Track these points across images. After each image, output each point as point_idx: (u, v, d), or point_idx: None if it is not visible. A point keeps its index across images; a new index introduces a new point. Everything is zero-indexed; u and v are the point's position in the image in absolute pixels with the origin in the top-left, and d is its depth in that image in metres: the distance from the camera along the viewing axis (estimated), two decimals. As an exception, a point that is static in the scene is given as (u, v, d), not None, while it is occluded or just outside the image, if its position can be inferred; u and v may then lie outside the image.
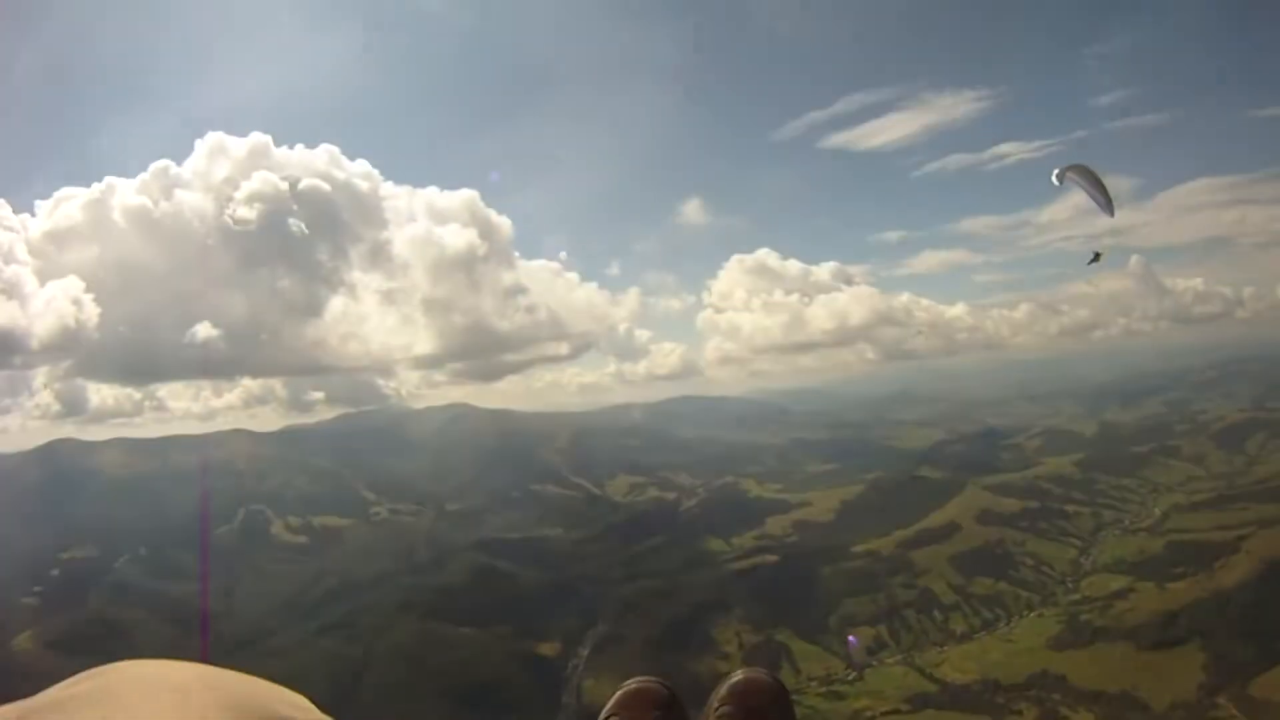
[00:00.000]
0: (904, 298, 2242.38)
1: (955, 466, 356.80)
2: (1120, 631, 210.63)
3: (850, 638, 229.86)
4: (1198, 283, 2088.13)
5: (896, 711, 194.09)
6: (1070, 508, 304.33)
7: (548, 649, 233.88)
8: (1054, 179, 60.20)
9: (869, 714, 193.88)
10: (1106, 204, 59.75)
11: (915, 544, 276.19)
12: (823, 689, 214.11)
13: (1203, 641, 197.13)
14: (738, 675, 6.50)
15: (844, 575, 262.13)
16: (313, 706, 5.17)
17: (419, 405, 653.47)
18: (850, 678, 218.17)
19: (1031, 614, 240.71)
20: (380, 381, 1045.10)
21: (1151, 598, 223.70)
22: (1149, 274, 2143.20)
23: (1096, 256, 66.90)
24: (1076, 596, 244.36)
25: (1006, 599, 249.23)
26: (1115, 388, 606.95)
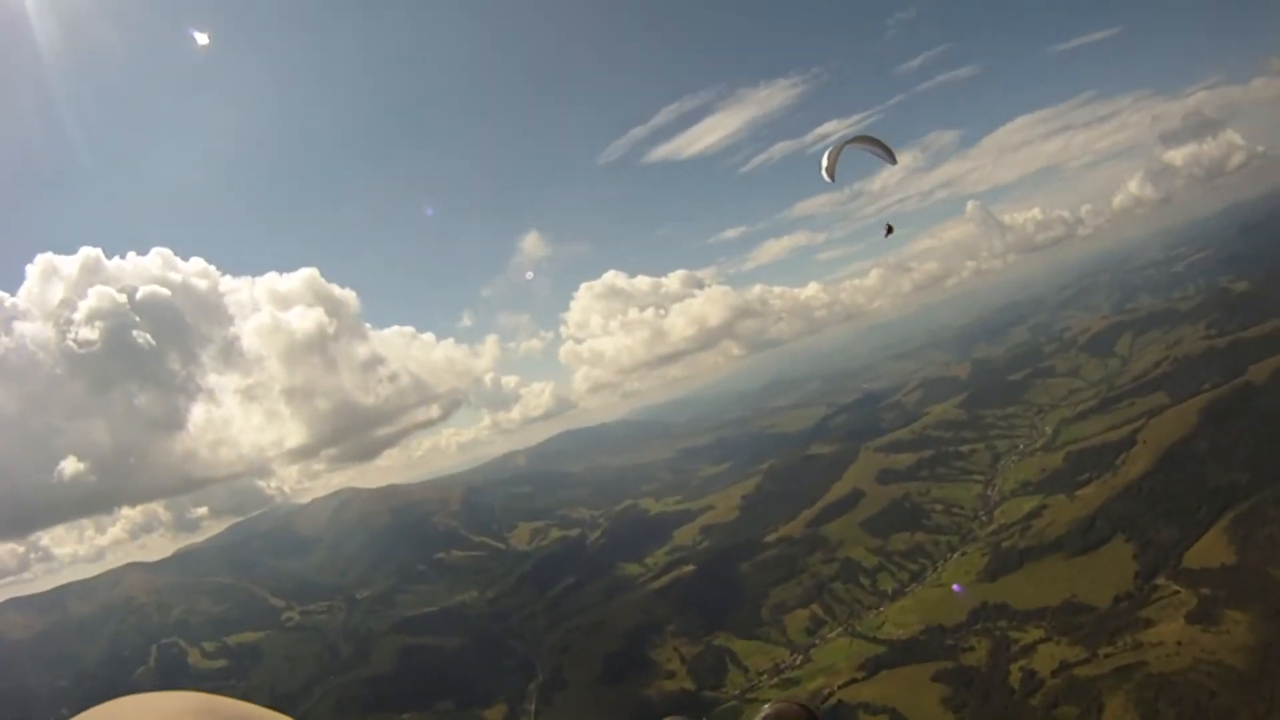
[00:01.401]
0: (756, 289, 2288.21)
1: (843, 437, 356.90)
2: (1045, 547, 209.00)
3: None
4: (1035, 213, 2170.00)
5: (854, 680, 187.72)
6: (964, 448, 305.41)
7: (494, 714, 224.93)
8: (825, 175, 58.25)
9: (827, 691, 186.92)
10: (888, 154, 58.57)
11: (824, 519, 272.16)
12: (775, 679, 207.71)
13: (1126, 534, 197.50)
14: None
15: (764, 566, 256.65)
16: None
17: (305, 500, 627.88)
18: (799, 662, 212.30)
19: (955, 555, 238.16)
20: (261, 484, 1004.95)
21: (1065, 509, 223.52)
22: (987, 215, 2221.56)
23: (889, 229, 67.58)
24: (993, 527, 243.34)
25: (927, 548, 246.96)
26: (978, 327, 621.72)
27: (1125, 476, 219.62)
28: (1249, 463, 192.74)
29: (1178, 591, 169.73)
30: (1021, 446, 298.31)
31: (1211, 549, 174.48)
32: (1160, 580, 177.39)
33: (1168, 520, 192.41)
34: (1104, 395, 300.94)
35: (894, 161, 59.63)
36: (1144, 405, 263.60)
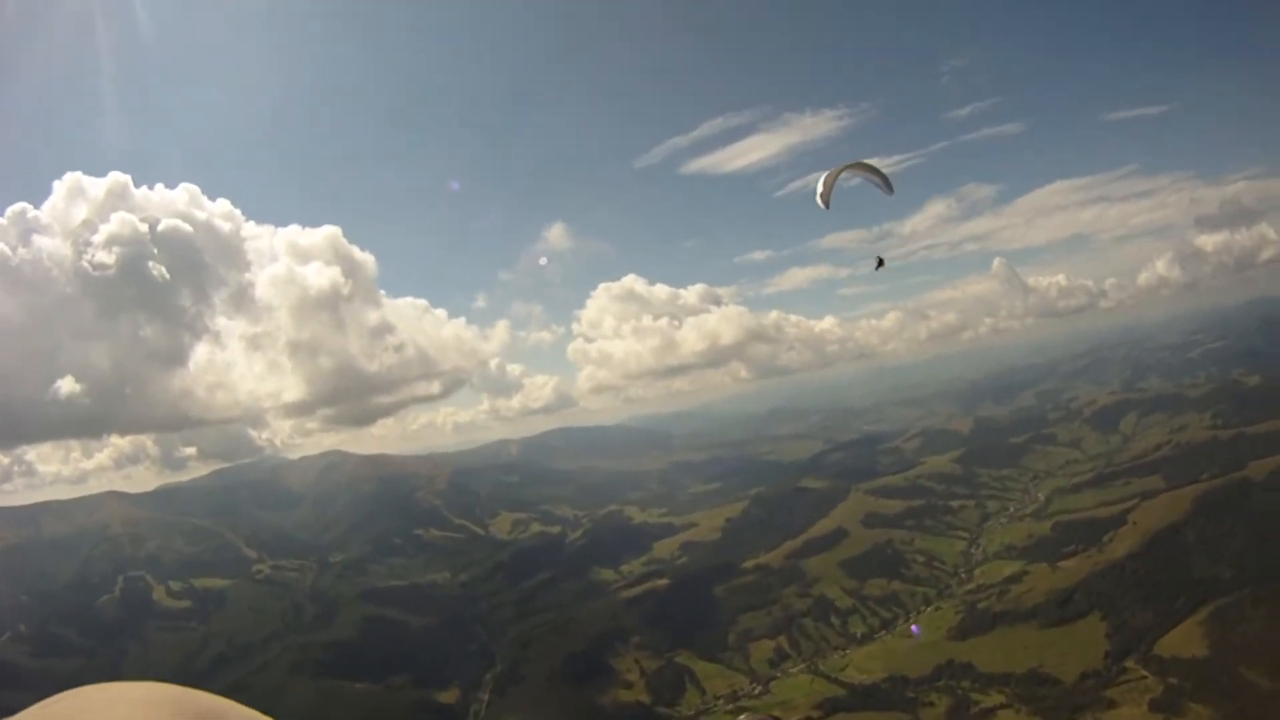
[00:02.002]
0: (773, 315, 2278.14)
1: (836, 475, 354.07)
2: (1020, 613, 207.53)
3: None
4: (1060, 278, 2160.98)
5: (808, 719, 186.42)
6: (954, 503, 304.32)
7: (447, 696, 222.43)
8: (819, 201, 57.20)
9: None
10: (886, 184, 58.12)
11: (805, 554, 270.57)
12: (731, 705, 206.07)
13: (1102, 612, 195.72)
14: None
15: (737, 592, 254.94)
16: None
17: (294, 455, 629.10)
18: (758, 692, 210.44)
19: (929, 608, 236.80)
20: (253, 433, 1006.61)
21: (1046, 578, 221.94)
22: (1013, 274, 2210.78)
23: (880, 262, 67.62)
24: (971, 586, 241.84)
25: (902, 597, 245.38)
26: (987, 385, 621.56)
27: (1110, 554, 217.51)
28: (1235, 559, 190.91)
29: (1145, 677, 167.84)
30: (1012, 509, 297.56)
31: (1185, 639, 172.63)
32: (1130, 663, 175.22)
33: (1146, 604, 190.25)
34: (1101, 470, 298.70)
35: (891, 191, 58.75)
36: (1139, 486, 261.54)
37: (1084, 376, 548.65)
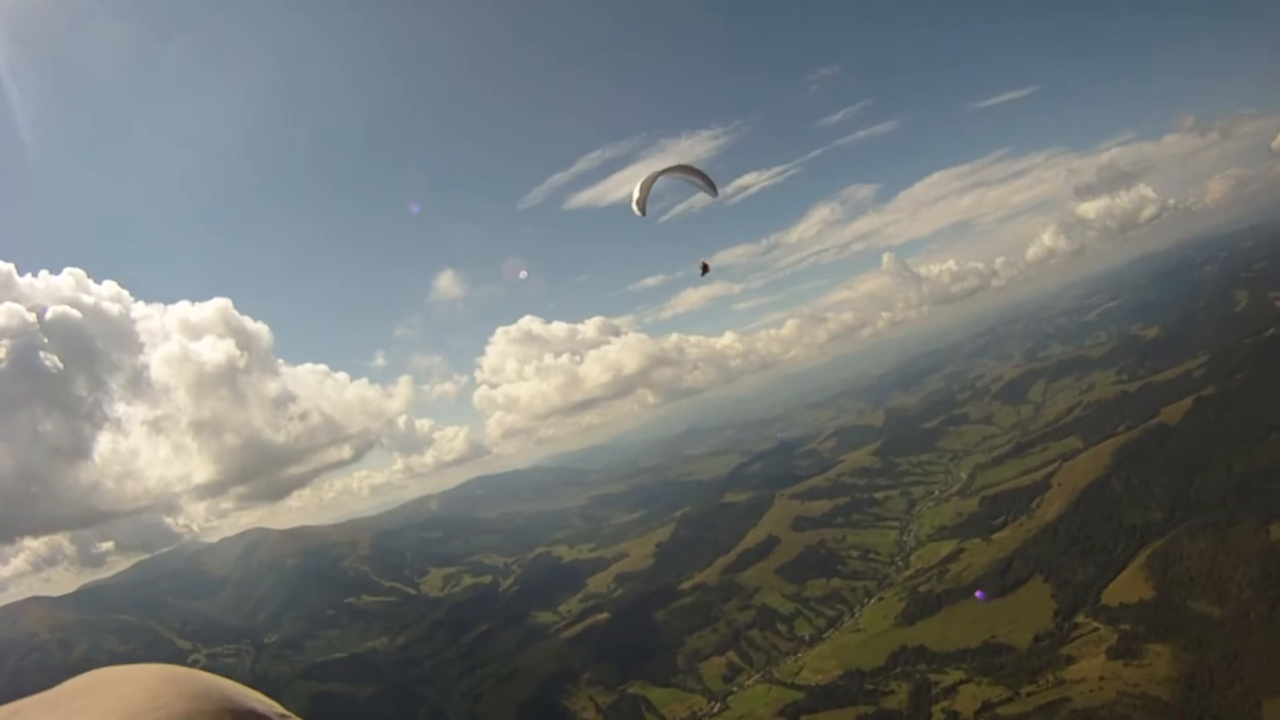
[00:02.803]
0: (673, 338, 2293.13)
1: (758, 485, 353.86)
2: (963, 590, 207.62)
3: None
4: (950, 264, 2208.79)
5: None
6: (879, 494, 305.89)
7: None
8: (635, 209, 55.11)
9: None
10: (710, 186, 56.25)
11: (739, 567, 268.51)
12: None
13: (1044, 575, 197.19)
14: None
15: (679, 614, 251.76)
16: (283, 709, 5.79)
17: (213, 539, 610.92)
18: (716, 709, 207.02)
19: (872, 600, 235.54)
20: (168, 520, 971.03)
21: (982, 552, 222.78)
22: (903, 267, 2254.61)
23: (705, 268, 65.26)
24: (910, 572, 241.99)
25: (844, 593, 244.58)
26: (893, 377, 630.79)
27: (1041, 519, 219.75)
28: (1163, 501, 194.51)
29: (1098, 628, 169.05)
30: (937, 493, 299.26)
31: (1129, 585, 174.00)
32: (1080, 618, 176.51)
33: (1084, 560, 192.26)
34: (1018, 441, 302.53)
35: (714, 193, 56.81)
36: (1058, 449, 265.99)
37: (986, 354, 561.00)
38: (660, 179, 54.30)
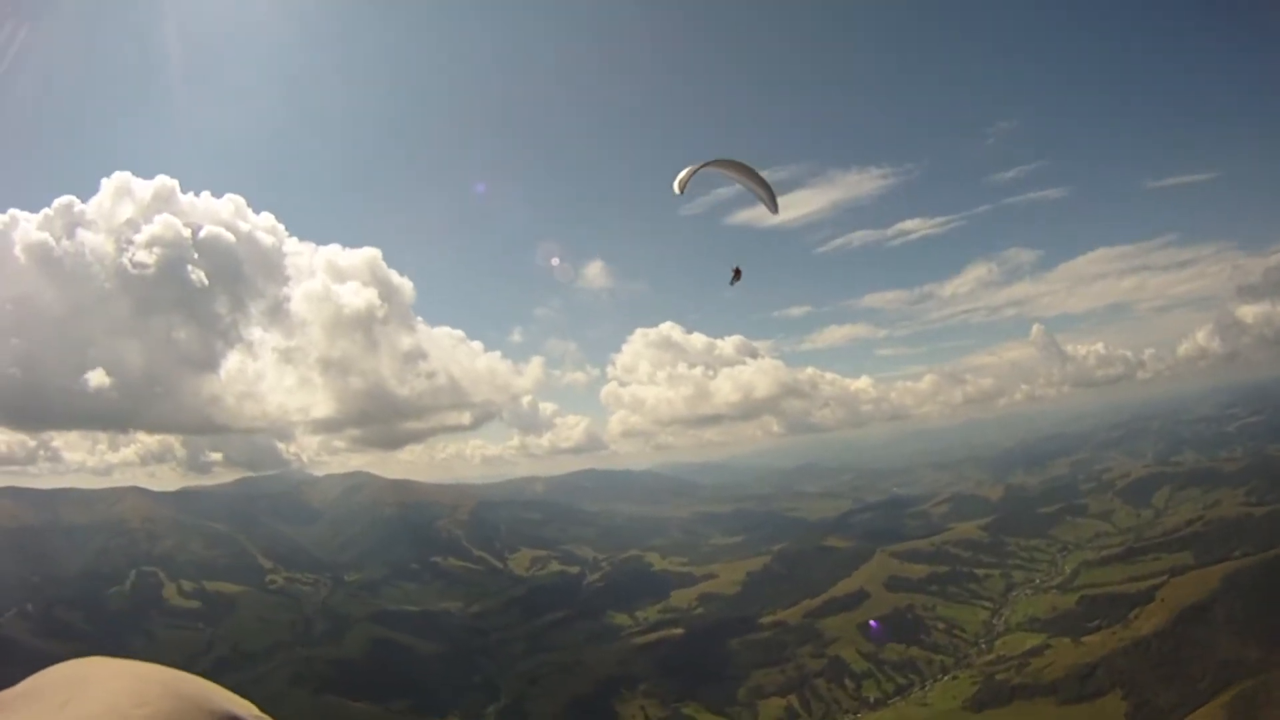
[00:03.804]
0: (809, 371, 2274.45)
1: (862, 535, 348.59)
2: (1039, 688, 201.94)
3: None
4: (1099, 347, 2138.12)
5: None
6: (980, 571, 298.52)
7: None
8: (675, 186, 52.61)
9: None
10: (771, 200, 53.84)
11: (823, 613, 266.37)
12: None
13: (1124, 690, 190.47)
14: None
15: (752, 647, 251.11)
16: (262, 714, 5.85)
17: (319, 472, 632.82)
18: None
19: (946, 677, 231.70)
20: (280, 445, 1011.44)
21: (1068, 652, 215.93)
22: (1050, 341, 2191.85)
23: (737, 274, 61.86)
24: (991, 657, 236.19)
25: (919, 663, 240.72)
26: (1020, 452, 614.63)
27: (1136, 631, 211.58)
28: (1264, 639, 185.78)
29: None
30: (1038, 581, 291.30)
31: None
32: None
33: (1169, 684, 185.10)
34: (1130, 544, 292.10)
35: (774, 208, 55.00)
36: (1169, 562, 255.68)
37: (1118, 448, 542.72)
38: (715, 170, 52.20)
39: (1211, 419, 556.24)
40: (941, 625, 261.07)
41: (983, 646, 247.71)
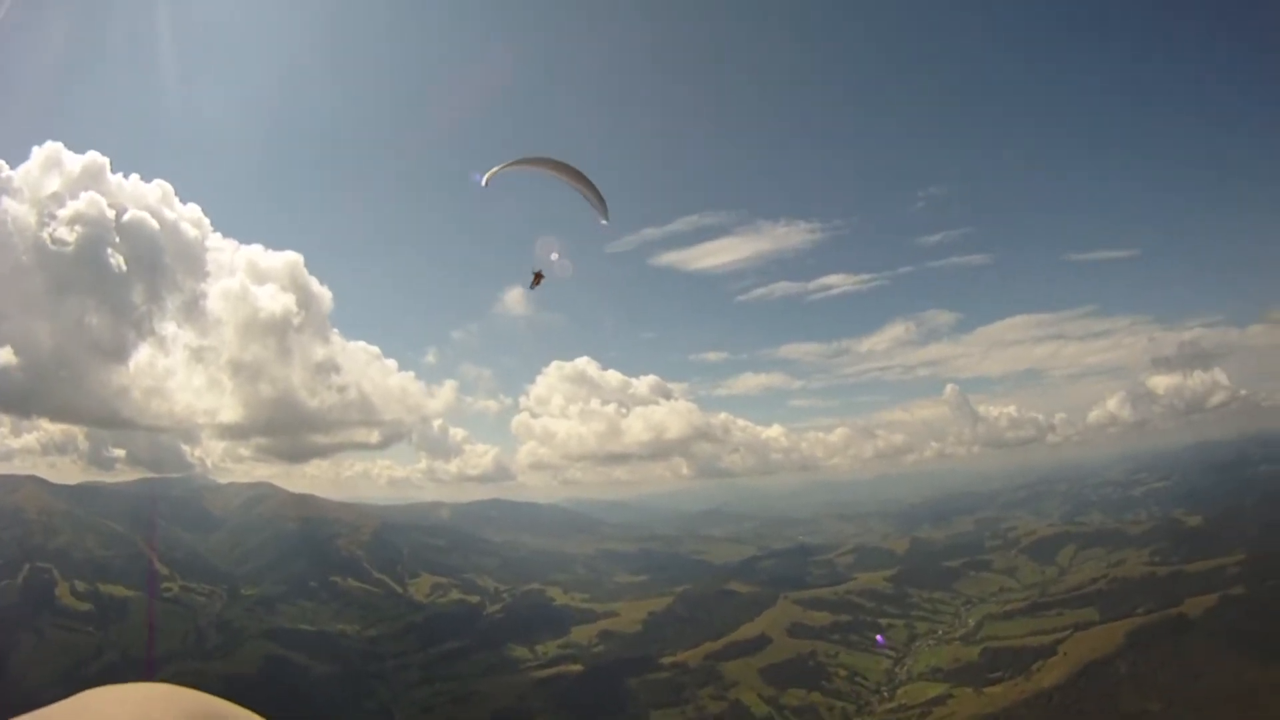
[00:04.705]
0: (722, 416, 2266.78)
1: (766, 581, 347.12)
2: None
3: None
4: (1011, 409, 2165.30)
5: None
6: (883, 620, 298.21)
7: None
8: (483, 178, 50.47)
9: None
10: (599, 204, 51.23)
11: (725, 656, 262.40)
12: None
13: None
14: None
15: (651, 686, 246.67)
16: None
17: (222, 480, 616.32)
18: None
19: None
20: (185, 448, 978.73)
21: (969, 702, 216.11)
22: (963, 401, 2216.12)
23: (537, 278, 60.02)
24: (893, 705, 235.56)
25: (820, 710, 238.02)
26: (927, 508, 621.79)
27: (1038, 683, 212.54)
28: (1165, 693, 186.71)
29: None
30: (941, 632, 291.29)
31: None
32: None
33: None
34: (1035, 600, 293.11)
35: (603, 215, 52.46)
36: (1073, 618, 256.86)
37: (1025, 507, 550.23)
38: (535, 169, 49.52)
39: (1119, 483, 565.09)
40: (843, 672, 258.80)
41: (885, 694, 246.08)
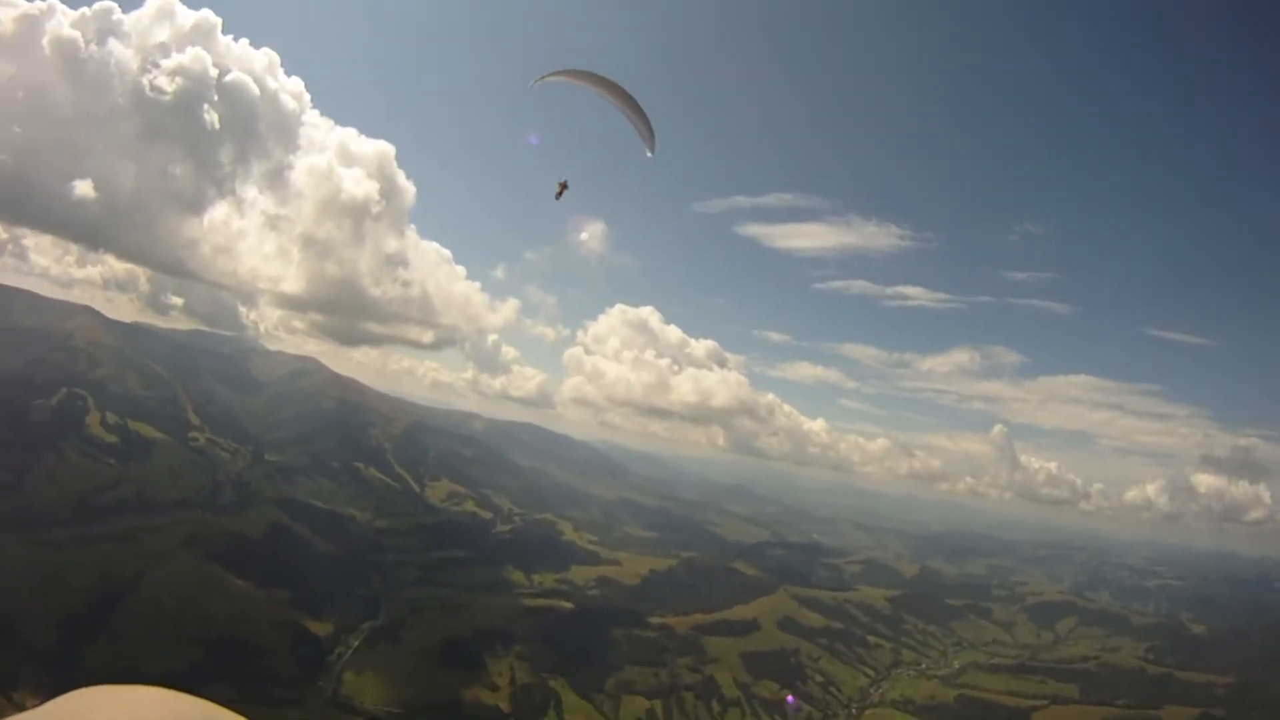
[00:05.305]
0: (770, 397, 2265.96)
1: (771, 569, 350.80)
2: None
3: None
4: (1052, 465, 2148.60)
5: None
6: (873, 638, 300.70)
7: (319, 628, 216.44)
8: (536, 80, 51.35)
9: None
10: (648, 135, 51.10)
11: (711, 631, 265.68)
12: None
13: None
14: None
15: (633, 642, 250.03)
16: None
17: (272, 346, 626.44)
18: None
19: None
20: (241, 309, 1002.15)
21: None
22: (1008, 445, 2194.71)
23: (563, 187, 59.42)
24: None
25: (787, 709, 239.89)
26: (946, 539, 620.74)
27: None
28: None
29: None
30: (924, 666, 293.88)
31: None
32: None
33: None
34: (1023, 661, 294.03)
35: (652, 149, 52.30)
36: (1054, 689, 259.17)
37: (1039, 566, 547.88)
38: (588, 86, 49.59)
39: (1136, 569, 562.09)
40: (820, 678, 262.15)
41: (853, 711, 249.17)
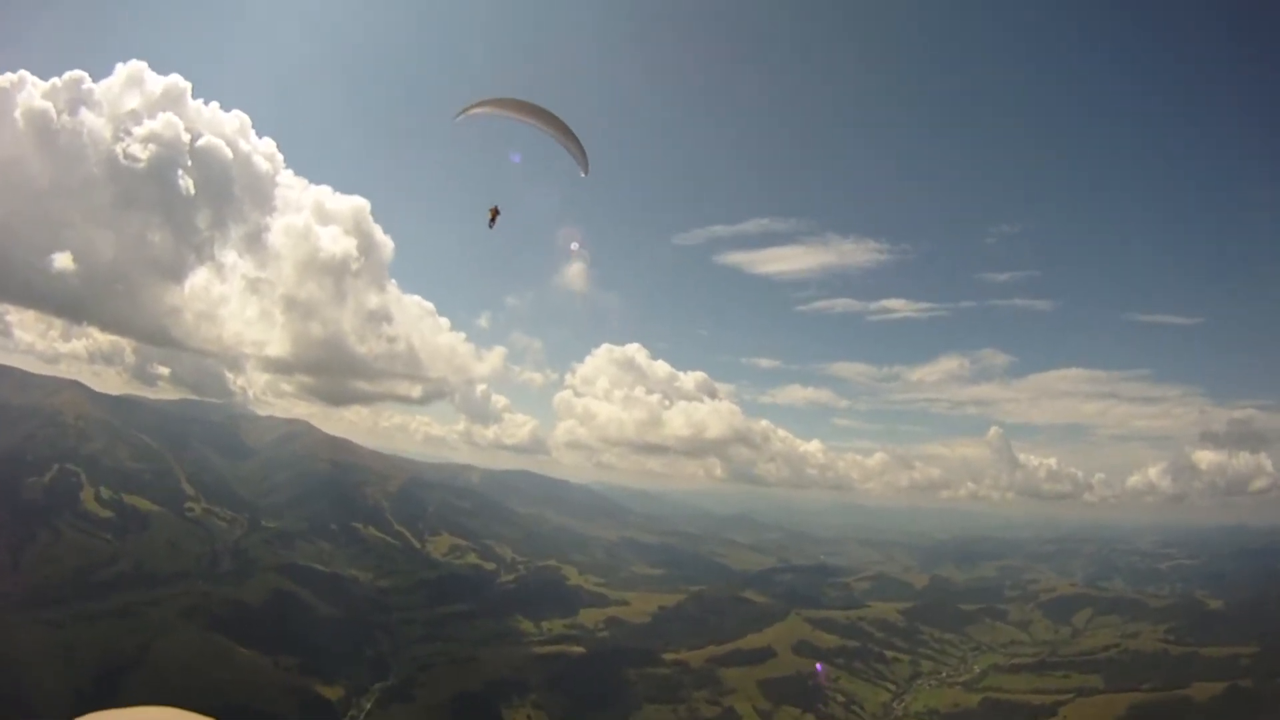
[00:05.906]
0: (763, 423, 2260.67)
1: (780, 595, 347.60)
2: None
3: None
4: (1051, 461, 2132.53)
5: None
6: (890, 653, 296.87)
7: (330, 692, 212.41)
8: (459, 114, 49.89)
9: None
10: (580, 156, 49.91)
11: (727, 662, 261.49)
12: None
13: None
14: None
15: (648, 680, 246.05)
16: None
17: (261, 412, 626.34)
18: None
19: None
20: (228, 375, 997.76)
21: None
22: (1005, 445, 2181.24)
23: (494, 215, 60.33)
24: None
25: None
26: (953, 546, 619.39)
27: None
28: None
29: None
30: (945, 674, 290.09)
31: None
32: None
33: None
34: (1044, 658, 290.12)
35: (584, 168, 51.01)
36: (1078, 681, 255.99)
37: (1049, 562, 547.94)
38: (511, 116, 47.79)
39: (1146, 554, 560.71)
40: (841, 698, 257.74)
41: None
